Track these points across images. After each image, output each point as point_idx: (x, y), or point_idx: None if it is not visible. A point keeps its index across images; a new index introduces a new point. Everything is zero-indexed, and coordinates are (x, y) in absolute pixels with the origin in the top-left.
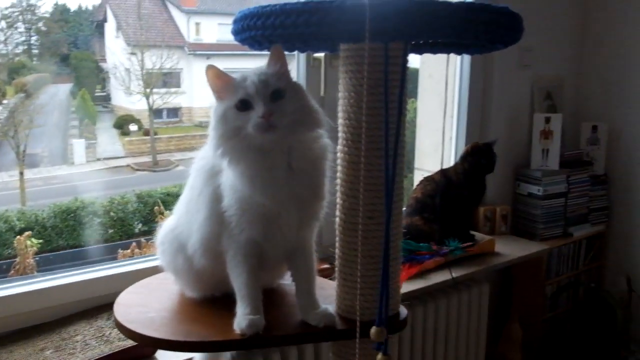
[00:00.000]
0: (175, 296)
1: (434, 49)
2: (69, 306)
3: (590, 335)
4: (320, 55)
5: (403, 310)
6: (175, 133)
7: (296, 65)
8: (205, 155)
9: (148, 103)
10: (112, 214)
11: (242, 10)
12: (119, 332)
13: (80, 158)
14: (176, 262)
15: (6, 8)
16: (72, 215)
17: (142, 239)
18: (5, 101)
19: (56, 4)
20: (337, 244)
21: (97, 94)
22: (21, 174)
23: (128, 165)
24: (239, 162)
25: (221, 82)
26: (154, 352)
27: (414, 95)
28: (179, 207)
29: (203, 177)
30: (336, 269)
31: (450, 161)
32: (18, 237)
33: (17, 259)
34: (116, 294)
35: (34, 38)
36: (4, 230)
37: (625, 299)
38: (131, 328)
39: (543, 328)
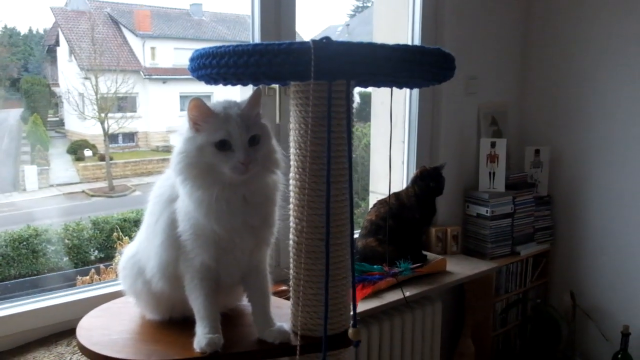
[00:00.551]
0: (137, 319)
1: (378, 83)
2: (28, 334)
3: (538, 348)
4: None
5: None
6: (132, 158)
7: None
8: (164, 184)
9: (103, 128)
10: (67, 241)
11: (198, 50)
12: (79, 357)
13: (32, 185)
14: (136, 286)
15: None
16: (24, 243)
17: (101, 265)
18: None
19: (5, 27)
20: (291, 265)
21: (49, 119)
22: None
23: (83, 191)
24: (198, 189)
25: (202, 115)
26: None
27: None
28: (140, 233)
29: (161, 204)
30: (290, 288)
31: (403, 185)
32: None
33: None
34: (76, 321)
35: None
36: None
37: (570, 314)
38: (94, 350)
39: (494, 343)
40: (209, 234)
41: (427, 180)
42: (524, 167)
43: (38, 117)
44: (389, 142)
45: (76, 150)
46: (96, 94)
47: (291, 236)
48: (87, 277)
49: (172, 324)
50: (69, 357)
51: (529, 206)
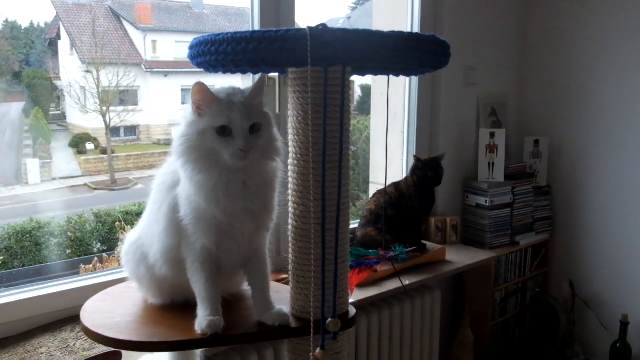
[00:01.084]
0: (139, 303)
1: (374, 71)
2: (32, 320)
3: (537, 337)
4: (275, 74)
5: (352, 310)
6: (134, 151)
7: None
8: (166, 172)
9: (105, 121)
10: (69, 234)
11: (197, 37)
12: (83, 342)
13: (34, 178)
14: (139, 271)
15: None
16: (27, 236)
17: (104, 254)
18: None
19: (6, 21)
20: (290, 250)
21: (51, 113)
22: None
23: (85, 185)
24: (199, 173)
25: (205, 100)
26: None
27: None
28: (142, 220)
29: (164, 192)
30: (290, 272)
31: (402, 175)
32: None
33: None
34: (80, 307)
35: None
36: None
37: (569, 303)
38: (98, 332)
39: (493, 332)
40: (209, 218)
41: (425, 170)
42: (523, 158)
43: (40, 110)
44: (386, 130)
45: (78, 143)
46: (98, 87)
47: (290, 221)
48: (91, 266)
49: (174, 307)
50: (73, 343)
51: (528, 196)
